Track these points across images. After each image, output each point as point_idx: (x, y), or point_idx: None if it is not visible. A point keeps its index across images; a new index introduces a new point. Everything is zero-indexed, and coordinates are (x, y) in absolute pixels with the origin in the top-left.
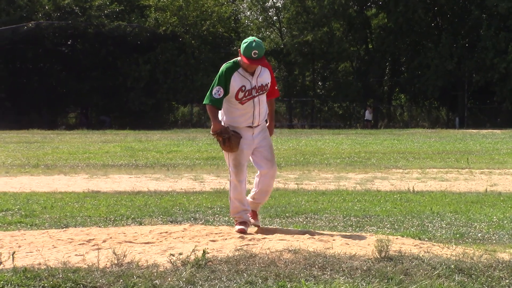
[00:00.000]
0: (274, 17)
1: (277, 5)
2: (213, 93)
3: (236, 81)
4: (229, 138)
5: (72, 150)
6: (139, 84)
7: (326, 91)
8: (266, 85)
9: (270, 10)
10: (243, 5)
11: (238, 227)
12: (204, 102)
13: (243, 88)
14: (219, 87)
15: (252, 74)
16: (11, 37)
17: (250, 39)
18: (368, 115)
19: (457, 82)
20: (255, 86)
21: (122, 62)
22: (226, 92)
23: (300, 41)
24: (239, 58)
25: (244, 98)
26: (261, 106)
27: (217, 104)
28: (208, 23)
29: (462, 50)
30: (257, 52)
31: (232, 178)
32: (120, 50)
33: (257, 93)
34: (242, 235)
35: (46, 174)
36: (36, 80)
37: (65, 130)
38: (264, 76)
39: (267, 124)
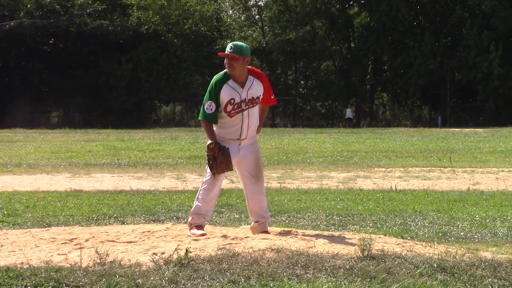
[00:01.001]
0: (257, 16)
1: (259, 3)
2: (205, 108)
3: (225, 93)
4: (215, 158)
5: (54, 149)
6: (121, 83)
7: (308, 90)
8: (258, 97)
9: (253, 8)
10: (225, 3)
11: (192, 231)
12: (199, 118)
13: (232, 101)
14: (210, 101)
15: (243, 86)
16: None
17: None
18: (349, 113)
19: (440, 80)
20: (245, 99)
21: (105, 60)
22: (218, 105)
23: (282, 40)
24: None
25: (233, 111)
26: (251, 119)
27: (210, 120)
28: (190, 21)
29: (444, 49)
30: (233, 46)
31: (207, 179)
32: (103, 49)
33: (247, 106)
34: (225, 234)
35: (28, 173)
36: (18, 79)
37: (47, 129)
38: (255, 88)
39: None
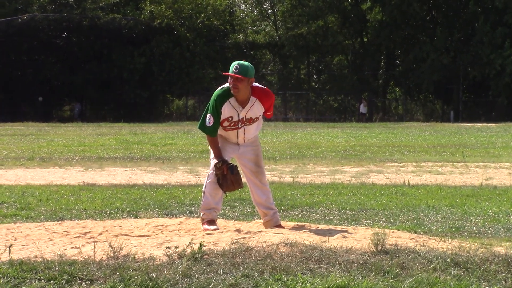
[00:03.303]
0: (269, 10)
1: None
2: (206, 120)
3: (225, 111)
4: (224, 176)
5: (67, 143)
6: (134, 77)
7: (321, 84)
8: (256, 117)
9: (265, 3)
10: None
11: (205, 226)
12: (198, 127)
13: (230, 118)
14: (210, 115)
15: (243, 106)
16: (6, 30)
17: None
18: (362, 108)
19: (452, 75)
20: (243, 118)
21: (117, 54)
22: (217, 120)
23: (295, 34)
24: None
25: (229, 127)
26: (246, 131)
27: (210, 133)
28: (203, 15)
29: (457, 44)
30: (238, 67)
31: (212, 173)
32: (115, 43)
33: (243, 125)
34: (238, 228)
35: (41, 166)
36: (31, 72)
37: (59, 123)
38: (255, 110)
39: None
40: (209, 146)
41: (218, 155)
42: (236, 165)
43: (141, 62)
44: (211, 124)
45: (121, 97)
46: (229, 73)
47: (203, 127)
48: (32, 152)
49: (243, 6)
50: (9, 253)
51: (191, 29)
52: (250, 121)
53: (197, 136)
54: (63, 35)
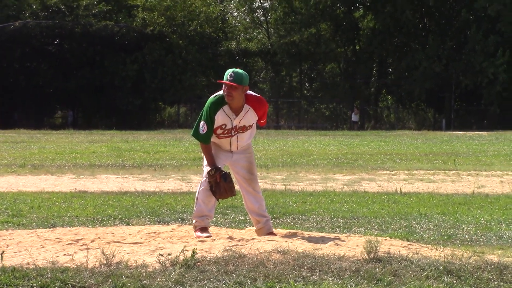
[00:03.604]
0: (262, 18)
1: (264, 5)
2: (199, 127)
3: (219, 118)
4: (217, 184)
5: (58, 150)
6: (126, 84)
7: (313, 92)
8: (250, 125)
9: (258, 10)
10: (230, 5)
11: (197, 233)
12: (191, 134)
13: (223, 126)
14: (203, 122)
15: (237, 113)
16: None
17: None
18: (354, 116)
19: (444, 84)
20: (236, 126)
21: (109, 61)
22: (210, 128)
23: (287, 42)
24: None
25: (222, 135)
26: (240, 139)
27: (203, 140)
28: (195, 23)
29: (449, 52)
30: (233, 74)
31: (204, 180)
32: (108, 50)
33: (236, 133)
34: (231, 235)
35: (33, 174)
36: (23, 79)
37: (51, 130)
38: (248, 118)
39: None
40: (202, 154)
41: (211, 162)
42: (229, 173)
43: (133, 69)
44: (204, 132)
45: (113, 104)
46: (224, 80)
47: (196, 135)
48: (24, 159)
49: (236, 13)
50: (1, 260)
51: (184, 37)
52: (244, 129)
53: (189, 144)
54: (56, 42)
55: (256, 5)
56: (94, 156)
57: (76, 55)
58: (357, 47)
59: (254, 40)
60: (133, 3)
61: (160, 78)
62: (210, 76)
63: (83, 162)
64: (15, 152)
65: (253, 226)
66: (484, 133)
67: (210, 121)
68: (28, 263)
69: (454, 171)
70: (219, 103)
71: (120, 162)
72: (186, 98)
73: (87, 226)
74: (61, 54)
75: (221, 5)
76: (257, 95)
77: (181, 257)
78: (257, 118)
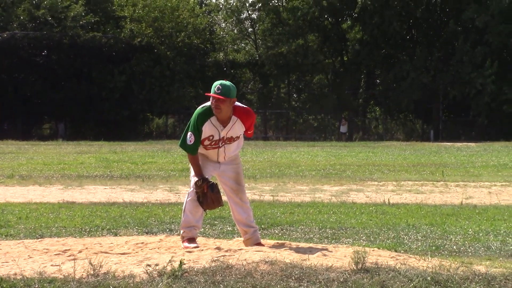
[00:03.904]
0: (250, 29)
1: (252, 16)
2: (187, 138)
3: (206, 130)
4: (204, 194)
5: (47, 161)
6: (114, 95)
7: (301, 103)
8: (237, 137)
9: (245, 21)
10: (218, 16)
11: (185, 244)
12: (179, 145)
13: (211, 137)
14: (191, 133)
15: (225, 125)
16: None
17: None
18: (342, 127)
19: (432, 94)
20: (224, 137)
21: (97, 72)
22: (197, 139)
23: (275, 53)
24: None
25: (209, 146)
26: (227, 150)
27: (190, 151)
28: (183, 34)
29: (437, 63)
30: (220, 87)
31: (192, 191)
32: (95, 61)
33: (223, 144)
34: (219, 246)
35: (21, 184)
36: (11, 90)
37: (39, 141)
38: (236, 129)
39: None
40: (190, 164)
41: (199, 173)
42: (216, 183)
43: (121, 81)
44: (192, 143)
45: (101, 115)
46: (211, 93)
47: (184, 145)
48: (12, 170)
49: (223, 24)
50: None
51: (171, 48)
52: (231, 140)
53: (177, 155)
54: (43, 53)
55: (243, 16)
56: (82, 167)
57: (64, 66)
58: (345, 58)
59: (242, 51)
60: (121, 14)
61: (148, 89)
62: (198, 87)
63: (71, 173)
64: (3, 163)
65: (240, 236)
66: (472, 144)
67: (197, 132)
68: (15, 274)
69: (442, 182)
70: (207, 114)
71: (108, 173)
72: (174, 109)
73: (75, 237)
74: (49, 65)
75: (208, 16)
76: (244, 106)
77: (169, 268)
78: (244, 129)
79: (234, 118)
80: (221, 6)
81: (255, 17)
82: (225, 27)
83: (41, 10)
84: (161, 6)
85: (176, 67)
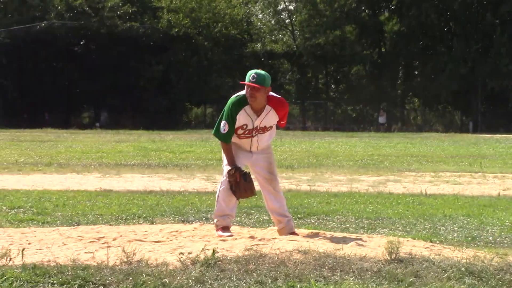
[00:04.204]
0: (287, 20)
1: (289, 7)
2: (220, 127)
3: (240, 119)
4: (237, 184)
5: (85, 149)
6: (152, 85)
7: (339, 94)
8: (270, 126)
9: (283, 13)
10: (255, 7)
11: (219, 232)
12: (212, 133)
13: (245, 126)
14: (224, 122)
15: (258, 114)
16: (24, 37)
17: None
18: (381, 118)
19: (471, 86)
20: (257, 127)
21: (135, 62)
22: (231, 128)
23: (312, 44)
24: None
25: (243, 135)
26: (260, 140)
27: (224, 140)
28: (220, 25)
29: (475, 55)
30: (255, 76)
31: (225, 180)
32: (133, 51)
33: (257, 133)
34: (252, 235)
35: (59, 172)
36: (49, 79)
37: (78, 130)
38: (269, 119)
39: None
40: (223, 153)
41: (232, 162)
42: (249, 173)
43: (158, 70)
44: (225, 131)
45: (139, 104)
46: (246, 82)
47: (217, 134)
48: (50, 158)
49: (261, 15)
50: (22, 257)
51: (209, 38)
52: (264, 129)
53: (214, 144)
54: (81, 43)
55: (280, 7)
56: (120, 156)
57: (102, 56)
58: (383, 50)
59: (279, 42)
60: (158, 5)
61: (185, 79)
62: (236, 78)
63: (109, 161)
64: (41, 151)
65: (275, 226)
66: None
67: (231, 121)
68: (49, 261)
69: (480, 173)
70: (241, 103)
71: (146, 162)
72: (212, 99)
73: (110, 225)
74: (86, 54)
75: (245, 7)
76: (278, 96)
77: (202, 256)
78: (277, 119)
79: (268, 107)
80: None
81: (292, 8)
82: (262, 18)
83: (78, 0)
84: None
85: (213, 58)
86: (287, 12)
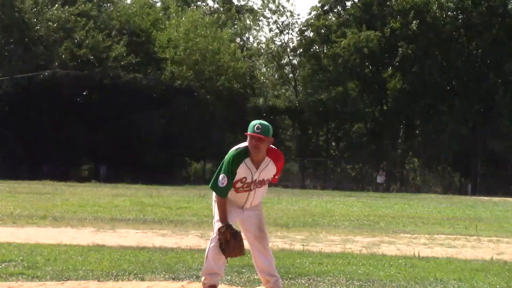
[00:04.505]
0: (290, 75)
1: (293, 62)
2: (218, 180)
3: (240, 172)
4: (227, 242)
5: (81, 203)
6: (153, 138)
7: (339, 151)
8: (268, 179)
9: (286, 67)
10: (259, 61)
11: None
12: (209, 187)
13: (244, 179)
14: (223, 175)
15: (258, 166)
16: (27, 86)
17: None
18: (379, 178)
19: (471, 147)
20: (256, 180)
21: (137, 115)
22: (230, 182)
23: (314, 100)
24: (247, 143)
25: (241, 189)
26: (256, 196)
27: (221, 194)
28: (223, 78)
29: (476, 115)
30: (260, 127)
31: (215, 237)
32: (135, 103)
33: (255, 187)
34: None
35: (53, 226)
36: (50, 130)
37: (77, 182)
38: (268, 171)
39: None
40: (214, 208)
41: (224, 218)
42: (239, 231)
43: (160, 124)
44: (224, 185)
45: (139, 158)
46: (250, 132)
47: (215, 188)
48: (46, 211)
49: (264, 69)
50: None
51: (211, 91)
52: (262, 183)
53: (211, 200)
54: (84, 93)
55: (284, 61)
56: (116, 210)
57: (104, 107)
58: (385, 107)
59: (281, 97)
60: (162, 56)
61: (187, 133)
62: (237, 133)
63: (105, 215)
64: (38, 203)
65: (263, 285)
66: (510, 199)
67: (231, 174)
68: None
69: (475, 237)
70: (242, 156)
71: (141, 217)
72: (212, 154)
73: (99, 281)
74: (89, 105)
75: (249, 60)
76: (276, 148)
77: None
78: (275, 172)
79: (267, 159)
80: (262, 51)
81: (296, 63)
82: (265, 72)
83: (82, 49)
84: (203, 49)
85: (215, 112)
86: (290, 66)
